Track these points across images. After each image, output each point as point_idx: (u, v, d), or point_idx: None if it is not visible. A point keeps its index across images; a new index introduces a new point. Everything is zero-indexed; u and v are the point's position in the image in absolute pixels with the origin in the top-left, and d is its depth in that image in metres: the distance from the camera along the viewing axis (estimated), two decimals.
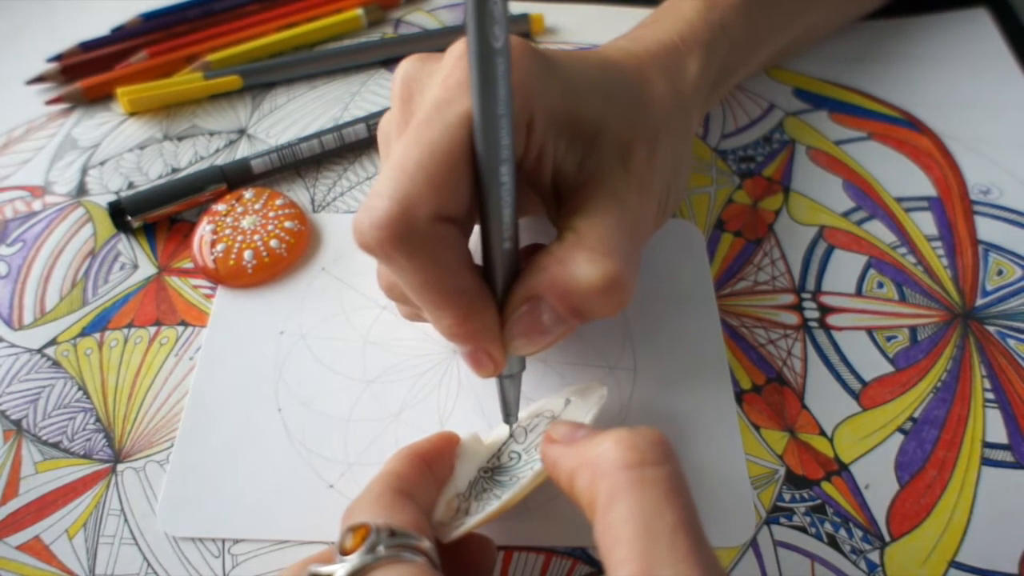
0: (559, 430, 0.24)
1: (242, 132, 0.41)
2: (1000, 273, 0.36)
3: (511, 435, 0.28)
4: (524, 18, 0.46)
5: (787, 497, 0.29)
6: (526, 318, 0.25)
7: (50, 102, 0.42)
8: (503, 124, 0.22)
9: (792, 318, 0.34)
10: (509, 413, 0.28)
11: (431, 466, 0.26)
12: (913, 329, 0.34)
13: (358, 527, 0.22)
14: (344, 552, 0.21)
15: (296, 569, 0.23)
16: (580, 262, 0.24)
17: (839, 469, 0.30)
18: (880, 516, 0.29)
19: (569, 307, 0.24)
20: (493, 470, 0.27)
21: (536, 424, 0.28)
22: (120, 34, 0.45)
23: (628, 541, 0.19)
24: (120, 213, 0.36)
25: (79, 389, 0.32)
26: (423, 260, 0.23)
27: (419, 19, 0.48)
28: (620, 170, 0.26)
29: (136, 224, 0.36)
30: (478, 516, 0.24)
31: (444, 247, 0.23)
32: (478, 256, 0.25)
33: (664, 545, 0.19)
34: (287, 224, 0.36)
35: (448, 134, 0.23)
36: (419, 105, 0.26)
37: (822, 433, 0.31)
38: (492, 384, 0.32)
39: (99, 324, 0.34)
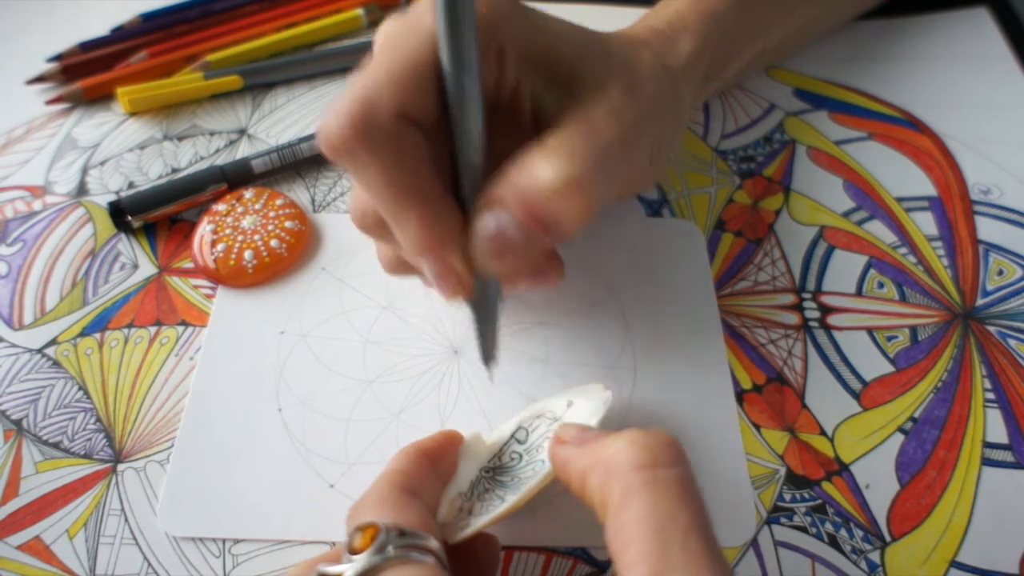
0: (569, 431, 0.24)
1: (242, 132, 0.41)
2: (1000, 273, 0.36)
3: (512, 436, 0.28)
4: None
5: (787, 497, 0.29)
6: (488, 227, 0.24)
7: (50, 102, 0.42)
8: (466, 32, 0.22)
9: (792, 318, 0.34)
10: (486, 350, 0.26)
11: (435, 464, 0.26)
12: (913, 329, 0.34)
13: (367, 526, 0.22)
14: (353, 552, 0.21)
15: (303, 569, 0.23)
16: (538, 162, 0.23)
17: (839, 469, 0.30)
18: (881, 516, 0.29)
19: (529, 213, 0.23)
20: (495, 470, 0.27)
21: (537, 425, 0.28)
22: (120, 34, 0.45)
23: (641, 542, 0.19)
24: (120, 213, 0.36)
25: (79, 389, 0.32)
26: (386, 157, 0.23)
27: None
28: (596, 102, 0.26)
29: (136, 224, 0.36)
30: (484, 518, 0.24)
31: (408, 146, 0.23)
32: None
33: (677, 546, 0.19)
34: (287, 224, 0.36)
35: (414, 48, 0.23)
36: None
37: (822, 433, 0.31)
38: (493, 385, 0.32)
39: (99, 324, 0.34)
